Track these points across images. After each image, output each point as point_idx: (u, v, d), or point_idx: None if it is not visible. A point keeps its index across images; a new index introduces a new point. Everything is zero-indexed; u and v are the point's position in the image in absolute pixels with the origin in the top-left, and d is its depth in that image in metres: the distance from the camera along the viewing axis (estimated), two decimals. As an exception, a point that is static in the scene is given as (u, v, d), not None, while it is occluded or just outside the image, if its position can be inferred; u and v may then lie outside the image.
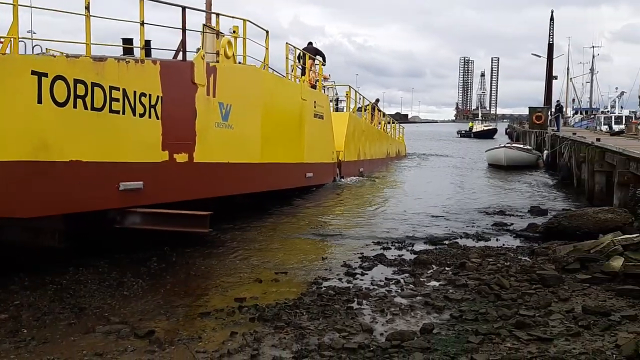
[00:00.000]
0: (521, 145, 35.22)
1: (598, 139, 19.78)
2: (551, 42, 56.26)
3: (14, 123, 7.38)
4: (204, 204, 9.99)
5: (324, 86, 21.89)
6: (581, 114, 71.95)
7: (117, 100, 8.77)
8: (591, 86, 77.79)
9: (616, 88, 66.16)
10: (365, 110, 27.54)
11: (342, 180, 21.36)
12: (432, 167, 32.88)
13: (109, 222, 9.11)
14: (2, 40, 8.15)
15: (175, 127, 10.02)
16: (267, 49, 14.03)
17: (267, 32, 14.00)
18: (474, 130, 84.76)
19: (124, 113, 8.91)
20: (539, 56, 57.36)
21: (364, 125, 26.23)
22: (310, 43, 20.68)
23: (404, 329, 6.04)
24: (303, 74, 18.22)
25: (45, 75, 7.63)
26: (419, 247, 10.46)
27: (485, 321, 6.18)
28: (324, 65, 20.42)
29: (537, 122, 40.16)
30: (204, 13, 12.81)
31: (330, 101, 23.84)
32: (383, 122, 33.27)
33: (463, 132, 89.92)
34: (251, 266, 8.89)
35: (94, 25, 8.82)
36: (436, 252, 9.81)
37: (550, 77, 55.99)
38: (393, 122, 38.99)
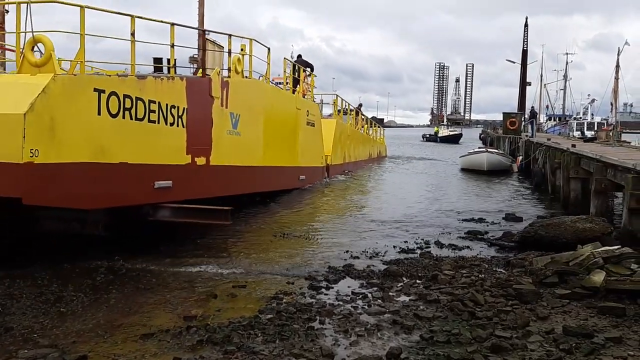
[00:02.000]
0: (498, 151, 35.04)
1: (573, 145, 19.49)
2: (525, 49, 56.51)
3: (81, 131, 8.61)
4: (216, 202, 10.72)
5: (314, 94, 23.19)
6: (554, 120, 72.46)
7: (154, 111, 10.14)
8: (564, 93, 78.17)
9: (588, 95, 66.84)
10: (350, 115, 29.43)
11: (326, 179, 22.65)
12: (407, 170, 33.17)
13: (144, 216, 10.17)
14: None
15: (196, 134, 11.41)
16: (268, 64, 15.85)
17: (269, 49, 15.84)
18: (439, 135, 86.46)
19: (158, 122, 10.26)
20: (513, 62, 57.67)
21: (349, 130, 28.18)
22: (299, 56, 21.68)
23: (369, 353, 5.44)
24: (295, 84, 19.21)
25: (104, 91, 8.96)
26: (390, 256, 9.88)
27: (459, 343, 5.61)
28: (315, 76, 21.68)
29: (511, 128, 40.08)
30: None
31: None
32: (366, 127, 35.51)
33: (428, 135, 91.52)
34: (208, 279, 8.20)
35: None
36: (407, 262, 9.24)
37: (524, 83, 56.19)
38: (375, 125, 40.97)
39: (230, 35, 13.18)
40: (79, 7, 8.71)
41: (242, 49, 14.16)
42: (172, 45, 11.04)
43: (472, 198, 19.67)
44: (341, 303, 7.06)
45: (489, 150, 33.44)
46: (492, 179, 26.70)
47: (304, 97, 19.99)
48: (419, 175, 30.52)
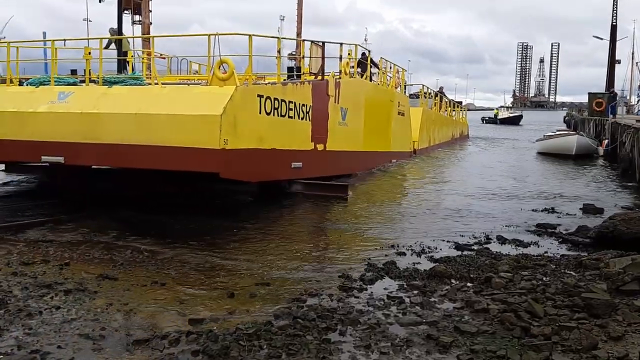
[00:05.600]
0: (582, 133, 32.46)
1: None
2: (614, 24, 52.21)
3: (250, 125, 11.27)
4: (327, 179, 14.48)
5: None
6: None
7: (292, 109, 12.97)
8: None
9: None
10: (434, 102, 31.73)
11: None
12: (483, 151, 32.95)
13: (282, 188, 13.80)
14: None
15: (317, 126, 14.32)
16: (368, 65, 19.05)
17: (369, 51, 19.76)
18: (499, 117, 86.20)
19: (294, 117, 13.15)
20: (601, 39, 53.43)
21: (433, 115, 31.03)
22: (363, 54, 22.17)
23: (388, 379, 4.47)
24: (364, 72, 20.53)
25: (262, 96, 11.74)
26: (441, 253, 8.75)
27: (503, 370, 4.53)
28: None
29: (597, 109, 37.25)
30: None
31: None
32: (449, 109, 38.08)
33: (487, 118, 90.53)
34: (231, 274, 7.45)
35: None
36: (459, 261, 8.08)
37: (612, 62, 52.05)
38: (457, 106, 43.26)
39: (341, 44, 16.60)
40: (248, 36, 11.91)
41: (349, 53, 16.97)
42: (303, 57, 16.28)
43: (549, 184, 17.97)
44: (371, 309, 6.08)
45: (579, 132, 31.06)
46: (573, 163, 24.63)
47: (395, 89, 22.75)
48: (492, 156, 29.65)
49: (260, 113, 11.67)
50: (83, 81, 12.66)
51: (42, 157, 11.56)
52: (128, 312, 5.90)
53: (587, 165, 24.22)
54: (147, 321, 5.68)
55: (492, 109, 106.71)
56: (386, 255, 8.48)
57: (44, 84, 12.60)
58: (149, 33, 21.29)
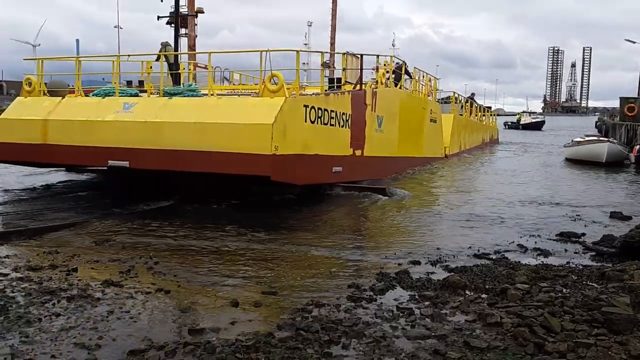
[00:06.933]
0: (612, 140, 31.51)
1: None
2: (649, 27, 51.04)
3: (297, 133, 12.40)
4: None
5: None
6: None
7: (333, 118, 14.01)
8: (695, 76, 70.24)
9: None
10: (463, 107, 32.50)
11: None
12: (512, 156, 32.81)
13: (324, 190, 14.57)
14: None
15: (356, 133, 15.37)
16: (402, 75, 20.33)
17: (405, 62, 21.02)
18: (521, 122, 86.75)
19: (335, 125, 14.18)
20: (633, 42, 52.11)
21: (464, 121, 31.97)
22: (397, 64, 23.35)
23: (388, 397, 4.23)
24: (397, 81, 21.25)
25: (307, 106, 12.82)
26: (458, 262, 8.45)
27: (512, 390, 4.25)
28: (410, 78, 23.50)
29: (630, 114, 36.20)
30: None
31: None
32: (480, 114, 38.96)
33: (510, 123, 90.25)
34: (237, 280, 7.28)
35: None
36: (476, 270, 7.78)
37: (646, 65, 50.73)
38: (487, 111, 44.33)
39: (377, 56, 18.32)
40: (296, 52, 13.30)
41: (384, 64, 18.74)
42: (344, 69, 17.14)
43: (576, 191, 17.46)
44: (379, 321, 5.84)
45: (610, 139, 30.07)
46: (603, 171, 23.92)
47: (428, 96, 23.92)
48: (519, 160, 29.56)
49: (305, 121, 12.77)
50: (144, 91, 14.45)
51: (109, 161, 12.80)
52: (128, 321, 5.77)
53: (616, 173, 23.51)
54: (147, 330, 5.53)
55: (529, 114, 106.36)
56: (400, 264, 8.22)
57: (109, 95, 14.04)
58: (194, 45, 24.94)
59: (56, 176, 17.46)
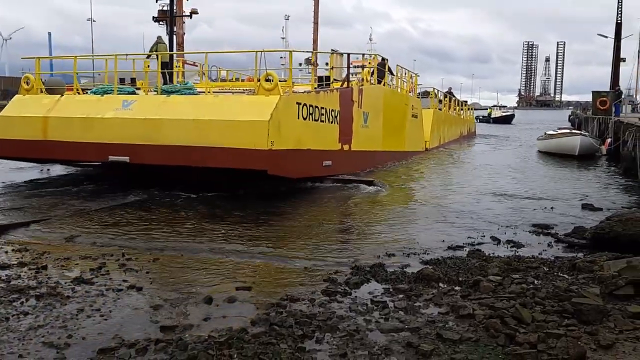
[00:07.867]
0: (584, 132, 31.99)
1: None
2: (619, 21, 51.66)
3: (290, 129, 13.00)
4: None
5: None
6: (652, 100, 66.42)
7: (323, 114, 14.63)
8: (664, 70, 71.52)
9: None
10: (442, 102, 33.33)
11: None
12: (487, 149, 33.62)
13: (312, 182, 14.82)
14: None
15: (344, 129, 16.07)
16: (385, 72, 20.70)
17: (387, 59, 21.22)
18: (492, 116, 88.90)
19: (325, 122, 14.80)
20: (606, 37, 52.90)
21: (443, 116, 32.82)
22: (383, 59, 23.15)
23: (361, 390, 4.22)
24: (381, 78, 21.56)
25: (300, 103, 13.44)
26: (432, 254, 8.50)
27: (484, 381, 4.28)
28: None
29: (601, 108, 36.75)
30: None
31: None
32: (457, 109, 39.84)
33: (481, 117, 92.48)
34: (211, 276, 7.22)
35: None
36: (450, 263, 7.84)
37: (617, 60, 51.49)
38: (465, 105, 45.71)
39: (363, 55, 20.80)
40: (289, 52, 14.59)
41: (369, 62, 19.73)
42: (332, 68, 17.54)
43: (549, 183, 17.69)
44: (353, 314, 5.84)
45: (582, 132, 30.49)
46: (576, 163, 24.28)
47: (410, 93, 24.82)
48: (494, 153, 30.24)
49: (298, 118, 13.37)
50: (137, 88, 15.32)
51: (110, 157, 13.27)
52: (98, 319, 5.68)
53: (588, 165, 23.89)
54: (117, 328, 5.45)
55: (500, 108, 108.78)
56: (377, 257, 8.24)
57: (108, 93, 14.48)
58: (183, 43, 25.50)
59: (32, 173, 17.16)
